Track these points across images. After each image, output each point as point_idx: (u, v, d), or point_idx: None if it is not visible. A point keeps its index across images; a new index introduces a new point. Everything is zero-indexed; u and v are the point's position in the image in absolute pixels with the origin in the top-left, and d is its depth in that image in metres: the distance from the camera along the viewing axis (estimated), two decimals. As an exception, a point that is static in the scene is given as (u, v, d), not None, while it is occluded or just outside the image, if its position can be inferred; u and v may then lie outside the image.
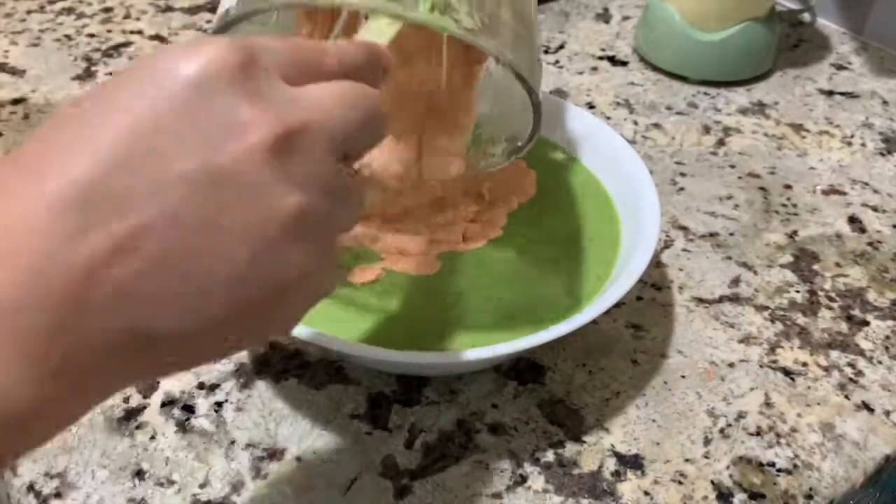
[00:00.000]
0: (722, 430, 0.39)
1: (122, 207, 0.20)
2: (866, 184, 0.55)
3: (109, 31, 0.69)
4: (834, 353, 0.43)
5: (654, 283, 0.47)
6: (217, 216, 0.21)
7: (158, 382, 0.40)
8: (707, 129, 0.60)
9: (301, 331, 0.35)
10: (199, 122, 0.21)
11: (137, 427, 0.38)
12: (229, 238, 0.21)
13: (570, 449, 0.38)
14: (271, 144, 0.21)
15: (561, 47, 0.69)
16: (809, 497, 0.36)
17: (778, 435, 0.39)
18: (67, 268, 0.19)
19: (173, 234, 0.20)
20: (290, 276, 0.22)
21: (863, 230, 0.51)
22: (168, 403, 0.39)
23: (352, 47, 0.27)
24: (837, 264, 0.49)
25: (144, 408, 0.39)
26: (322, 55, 0.25)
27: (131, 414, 0.39)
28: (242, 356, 0.42)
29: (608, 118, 0.61)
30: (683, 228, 0.51)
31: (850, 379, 0.42)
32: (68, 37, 0.69)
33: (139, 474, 0.36)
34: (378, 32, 0.30)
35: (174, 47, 0.22)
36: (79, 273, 0.19)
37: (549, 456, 0.38)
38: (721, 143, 0.59)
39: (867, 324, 0.45)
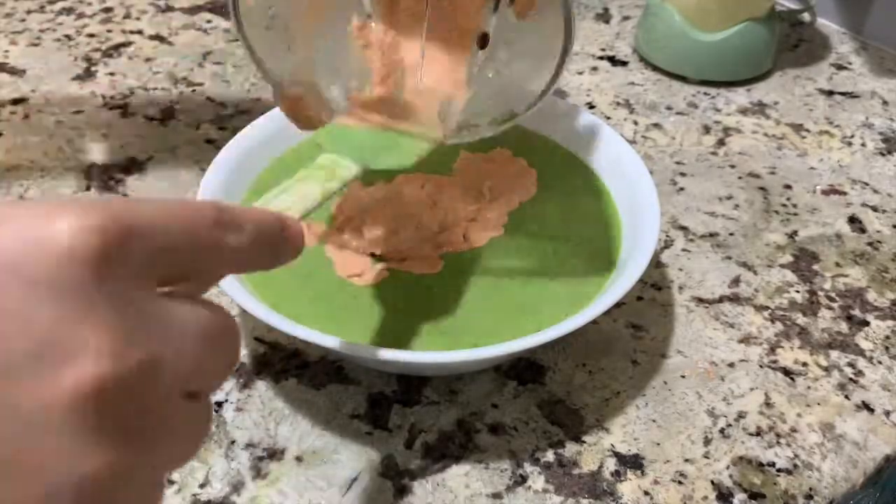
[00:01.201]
0: (722, 430, 0.39)
1: None
2: (866, 184, 0.55)
3: (109, 31, 0.69)
4: (834, 353, 0.43)
5: (654, 283, 0.47)
6: (16, 456, 0.16)
7: (158, 382, 0.40)
8: (707, 129, 0.60)
9: (301, 331, 0.35)
10: (13, 336, 0.16)
11: (137, 427, 0.38)
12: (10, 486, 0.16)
13: (570, 449, 0.38)
14: (98, 388, 0.17)
15: (561, 47, 0.69)
16: (809, 497, 0.36)
17: (778, 435, 0.39)
18: None
19: None
20: None
21: (863, 230, 0.51)
22: (168, 403, 0.39)
23: (258, 220, 0.23)
24: (837, 264, 0.49)
25: (144, 408, 0.39)
26: (218, 235, 0.21)
27: (131, 414, 0.39)
28: (242, 356, 0.42)
29: (608, 118, 0.61)
30: (683, 228, 0.51)
31: (850, 379, 0.42)
32: (68, 37, 0.69)
33: (139, 474, 0.36)
34: (302, 196, 0.30)
35: (24, 210, 0.17)
36: None
37: (549, 456, 0.38)
38: (721, 143, 0.59)
39: (867, 324, 0.45)
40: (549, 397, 0.40)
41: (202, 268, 0.21)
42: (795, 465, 0.38)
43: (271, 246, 0.24)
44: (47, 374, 0.16)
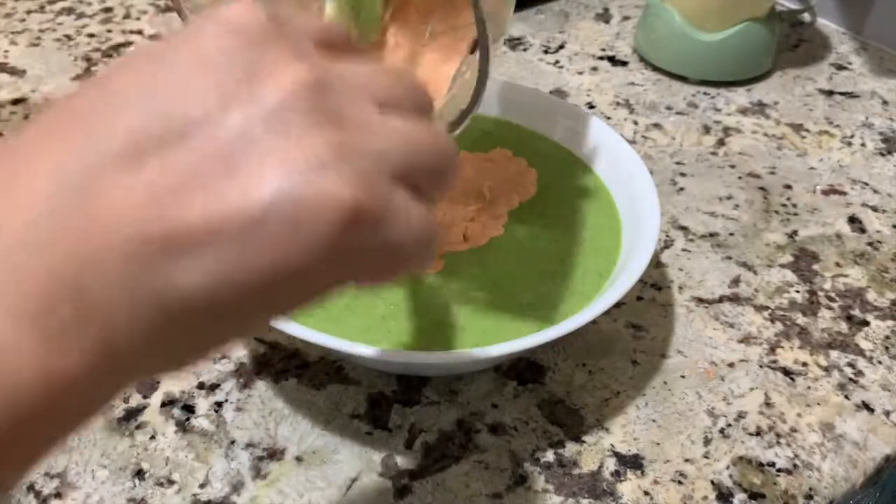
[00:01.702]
0: (722, 430, 0.39)
1: (139, 152, 0.18)
2: (866, 184, 0.55)
3: (109, 31, 0.69)
4: (834, 353, 0.43)
5: (654, 283, 0.47)
6: (241, 152, 0.18)
7: (158, 382, 0.40)
8: (707, 129, 0.60)
9: (301, 331, 0.35)
10: (218, 67, 0.19)
11: (137, 427, 0.38)
12: (254, 173, 0.18)
13: (570, 449, 0.38)
14: (300, 81, 0.19)
15: (561, 47, 0.69)
16: (809, 497, 0.36)
17: (778, 435, 0.39)
18: (77, 218, 0.17)
19: (195, 174, 0.18)
20: (330, 212, 0.18)
21: (863, 230, 0.51)
22: (168, 403, 0.39)
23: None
24: (837, 264, 0.49)
25: (144, 408, 0.39)
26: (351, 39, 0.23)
27: (131, 414, 0.39)
28: (242, 356, 0.42)
29: (608, 118, 0.61)
30: (683, 228, 0.51)
31: (850, 379, 0.42)
32: (68, 37, 0.69)
33: (139, 474, 0.36)
34: None
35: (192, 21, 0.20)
36: (89, 223, 0.17)
37: (549, 456, 0.38)
38: (721, 143, 0.59)
39: (867, 324, 0.45)
40: (549, 397, 0.40)
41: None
42: (795, 465, 0.38)
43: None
44: (265, 78, 0.19)
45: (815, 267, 0.49)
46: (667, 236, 0.50)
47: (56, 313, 0.17)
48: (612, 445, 0.38)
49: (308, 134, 0.19)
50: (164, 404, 0.39)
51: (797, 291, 0.47)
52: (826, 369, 0.42)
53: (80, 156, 0.18)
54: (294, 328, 0.36)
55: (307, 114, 0.19)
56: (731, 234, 0.51)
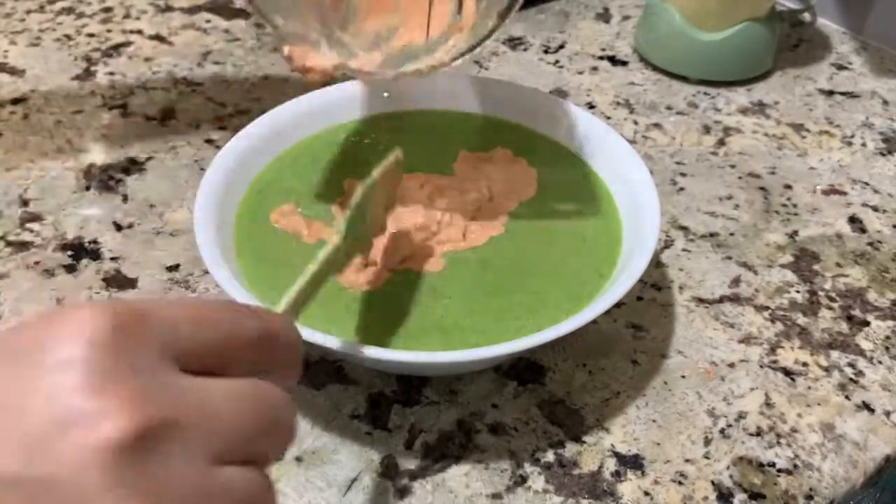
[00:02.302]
0: (722, 431, 0.39)
1: None
2: (866, 184, 0.55)
3: (109, 31, 0.69)
4: (834, 354, 0.43)
5: (654, 283, 0.47)
6: None
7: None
8: (707, 129, 0.60)
9: (301, 331, 0.35)
10: (38, 409, 0.18)
11: (137, 427, 0.38)
12: None
13: (570, 449, 0.38)
14: (122, 440, 0.17)
15: (561, 47, 0.69)
16: (809, 497, 0.36)
17: (778, 435, 0.39)
18: None
19: None
20: None
21: (863, 230, 0.51)
22: (168, 403, 0.39)
23: (277, 323, 0.24)
24: (838, 264, 0.49)
25: (144, 408, 0.39)
26: (235, 330, 0.22)
27: (131, 414, 0.39)
28: (242, 356, 0.42)
29: (608, 118, 0.61)
30: (683, 228, 0.51)
31: (851, 379, 0.42)
32: (68, 37, 0.69)
33: (139, 474, 0.36)
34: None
35: (42, 317, 0.19)
36: None
37: (549, 456, 0.38)
38: (721, 143, 0.59)
39: (867, 324, 0.45)
40: (549, 397, 0.40)
41: (222, 361, 0.21)
42: (795, 466, 0.38)
43: (284, 351, 0.24)
44: (81, 429, 0.18)
45: (816, 267, 0.49)
46: (667, 236, 0.50)
47: None
48: (612, 445, 0.38)
49: None
50: (163, 404, 0.39)
51: (797, 291, 0.47)
52: (826, 369, 0.42)
53: None
54: (294, 328, 0.35)
55: (117, 487, 0.17)
56: (732, 234, 0.51)
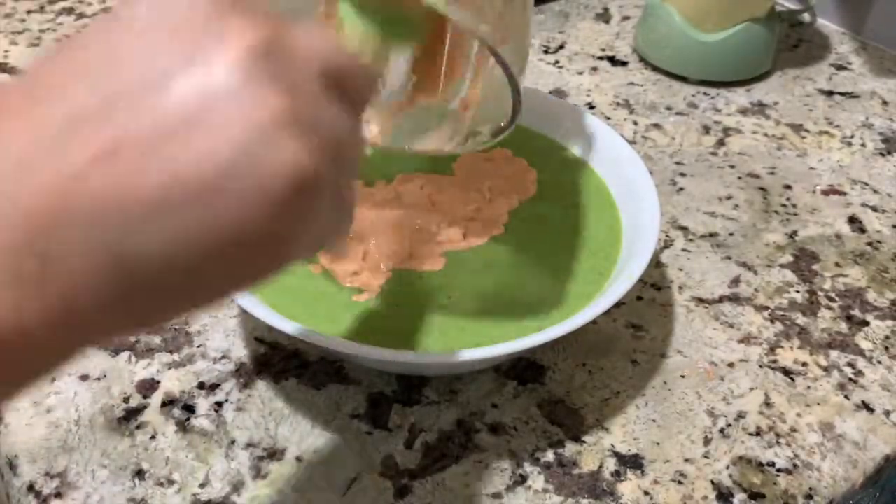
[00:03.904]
0: (722, 430, 0.39)
1: (99, 118, 0.18)
2: (866, 184, 0.55)
3: (109, 31, 0.69)
4: (834, 353, 0.43)
5: (654, 283, 0.47)
6: (196, 115, 0.18)
7: (158, 382, 0.40)
8: (707, 129, 0.60)
9: (301, 331, 0.35)
10: (174, 31, 0.19)
11: (137, 427, 0.38)
12: (210, 135, 0.18)
13: (570, 449, 0.38)
14: (254, 46, 0.19)
15: (561, 47, 0.69)
16: (809, 497, 0.36)
17: (778, 435, 0.39)
18: (38, 184, 0.18)
19: (150, 138, 0.18)
20: (287, 173, 0.19)
21: (862, 230, 0.51)
22: (168, 403, 0.39)
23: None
24: (837, 264, 0.49)
25: (144, 408, 0.39)
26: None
27: (131, 414, 0.39)
28: (243, 356, 0.42)
29: (608, 118, 0.61)
30: (683, 228, 0.51)
31: (850, 379, 0.42)
32: (68, 37, 0.69)
33: (139, 474, 0.36)
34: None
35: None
36: (51, 187, 0.18)
37: (549, 456, 0.38)
38: (721, 143, 0.59)
39: (867, 324, 0.45)
40: (549, 397, 0.40)
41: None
42: (795, 465, 0.38)
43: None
44: (216, 43, 0.19)
45: (815, 267, 0.49)
46: (667, 236, 0.50)
47: (23, 268, 0.18)
48: (612, 445, 0.38)
49: (261, 98, 0.19)
50: (164, 404, 0.39)
51: (797, 291, 0.47)
52: (826, 369, 0.42)
53: (52, 120, 0.18)
54: (294, 328, 0.36)
55: (259, 79, 0.19)
56: (731, 234, 0.51)
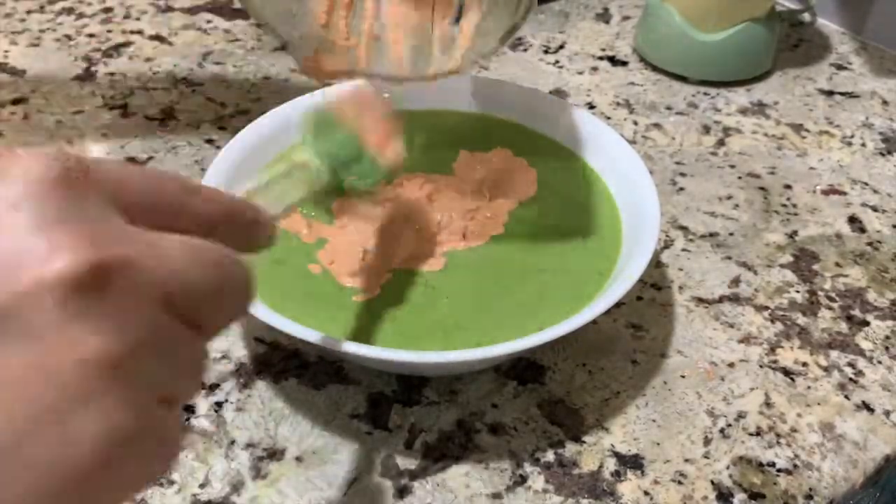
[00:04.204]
0: (722, 430, 0.39)
1: None
2: (866, 184, 0.55)
3: (109, 31, 0.69)
4: (834, 353, 0.43)
5: (654, 283, 0.47)
6: None
7: (158, 382, 0.40)
8: (707, 129, 0.60)
9: (301, 331, 0.35)
10: None
11: (137, 427, 0.38)
12: (9, 396, 0.16)
13: (570, 449, 0.38)
14: (76, 277, 0.17)
15: (561, 47, 0.69)
16: (809, 497, 0.36)
17: (778, 435, 0.39)
18: None
19: None
20: (99, 433, 0.17)
21: (863, 230, 0.51)
22: (168, 403, 0.39)
23: (229, 198, 0.23)
24: (837, 264, 0.49)
25: (144, 408, 0.39)
26: (186, 196, 0.21)
27: (131, 414, 0.39)
28: (242, 356, 0.42)
29: (608, 118, 0.61)
30: (683, 228, 0.51)
31: (850, 379, 0.42)
32: (68, 37, 0.69)
33: (139, 474, 0.36)
34: (279, 194, 0.29)
35: None
36: None
37: (549, 456, 0.38)
38: (721, 143, 0.59)
39: (867, 324, 0.45)
40: (549, 397, 0.40)
41: (173, 223, 0.21)
42: (795, 465, 0.38)
43: (243, 225, 0.24)
44: (32, 266, 0.17)
45: (815, 267, 0.49)
46: (667, 236, 0.50)
47: None
48: (612, 445, 0.38)
49: (76, 342, 0.17)
50: (164, 404, 0.39)
51: (797, 291, 0.47)
52: (826, 369, 0.42)
53: None
54: (294, 328, 0.36)
55: (79, 316, 0.17)
56: (731, 234, 0.51)
